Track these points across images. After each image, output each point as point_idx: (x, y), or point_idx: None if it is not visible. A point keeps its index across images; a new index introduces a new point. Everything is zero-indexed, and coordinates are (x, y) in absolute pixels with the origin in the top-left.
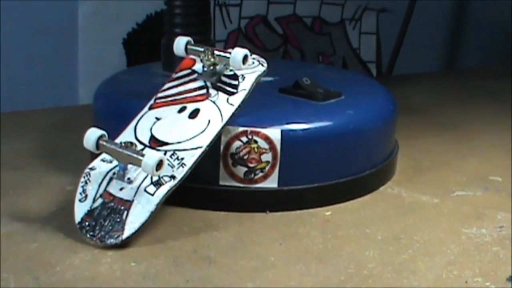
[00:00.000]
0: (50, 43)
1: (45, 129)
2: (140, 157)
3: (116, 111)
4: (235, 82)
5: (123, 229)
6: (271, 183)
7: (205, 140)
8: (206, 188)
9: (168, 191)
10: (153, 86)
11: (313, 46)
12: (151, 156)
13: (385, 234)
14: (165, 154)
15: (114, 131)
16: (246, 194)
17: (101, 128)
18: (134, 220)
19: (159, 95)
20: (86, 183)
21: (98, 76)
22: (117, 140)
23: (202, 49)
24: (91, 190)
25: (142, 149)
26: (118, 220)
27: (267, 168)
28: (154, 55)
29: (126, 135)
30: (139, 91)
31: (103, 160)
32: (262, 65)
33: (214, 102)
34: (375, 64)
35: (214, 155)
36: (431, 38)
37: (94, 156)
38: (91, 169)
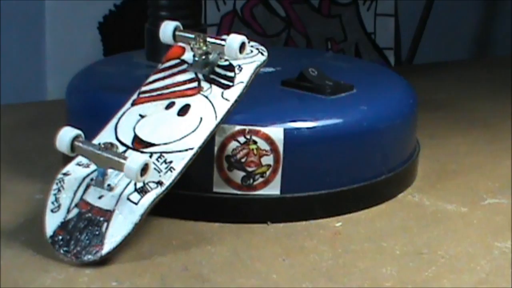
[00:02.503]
0: (11, 28)
1: (8, 129)
2: (122, 161)
3: (93, 107)
4: (231, 74)
5: (102, 243)
6: (273, 189)
7: (196, 141)
8: (198, 195)
9: (155, 199)
10: (136, 78)
11: (320, 30)
12: (134, 159)
13: (405, 249)
14: (150, 156)
15: (91, 130)
16: (243, 202)
17: (76, 127)
18: (115, 233)
19: (143, 89)
20: (59, 190)
21: (70, 67)
22: (95, 141)
23: (192, 36)
24: (65, 198)
25: (124, 151)
26: (97, 233)
27: (268, 173)
28: (135, 42)
29: (106, 135)
30: (120, 84)
31: (78, 164)
32: (262, 54)
33: (206, 97)
34: (393, 52)
35: (207, 158)
36: (458, 20)
37: (67, 159)
38: (65, 174)
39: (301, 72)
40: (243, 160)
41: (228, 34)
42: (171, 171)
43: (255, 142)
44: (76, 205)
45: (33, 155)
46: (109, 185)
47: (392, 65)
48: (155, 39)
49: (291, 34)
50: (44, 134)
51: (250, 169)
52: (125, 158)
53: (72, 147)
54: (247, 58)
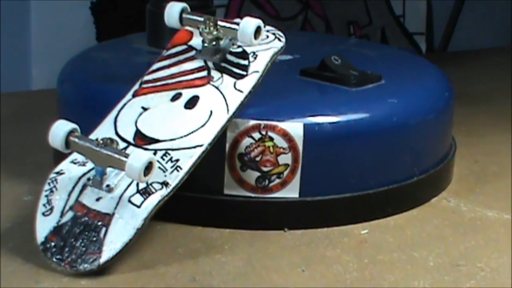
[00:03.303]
0: None
1: None
2: (123, 158)
3: (89, 98)
4: (245, 62)
5: (100, 251)
6: (291, 192)
7: (206, 137)
8: (207, 198)
9: (159, 202)
10: (137, 66)
11: (342, 13)
12: (137, 157)
13: (439, 260)
14: (155, 154)
15: (87, 124)
16: (258, 206)
17: (70, 121)
18: (115, 240)
19: (146, 78)
20: (51, 191)
21: (58, 53)
22: (92, 136)
23: (201, 19)
24: (58, 200)
25: (125, 148)
26: (94, 239)
27: (285, 173)
28: (134, 25)
29: (104, 130)
30: (119, 72)
31: (73, 162)
32: (279, 39)
33: (217, 88)
34: (425, 37)
35: (218, 156)
36: (497, 3)
37: (59, 157)
38: (58, 173)
39: (322, 60)
40: (257, 158)
41: (241, 17)
42: (177, 171)
43: (271, 139)
44: (70, 208)
45: (20, 151)
46: (108, 185)
47: (423, 52)
48: (159, 22)
49: (308, 17)
50: (32, 128)
51: (265, 169)
52: (126, 156)
53: (67, 143)
54: (262, 44)
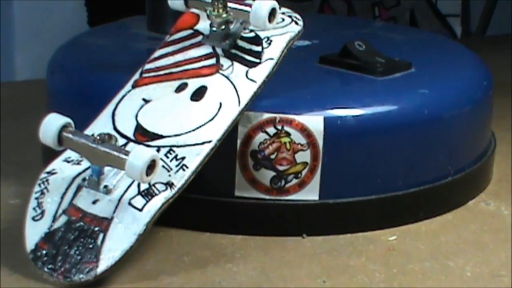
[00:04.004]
0: None
1: None
2: (123, 156)
3: (83, 89)
4: (258, 48)
5: (97, 259)
6: (310, 194)
7: (214, 132)
8: (216, 201)
9: (163, 204)
10: (136, 53)
11: None
12: (138, 155)
13: (477, 269)
14: (158, 151)
15: (82, 118)
16: (273, 209)
17: (62, 115)
18: (114, 247)
19: (147, 66)
20: (42, 193)
21: (45, 39)
22: (88, 132)
23: (209, 0)
24: (50, 203)
25: (125, 145)
26: (91, 246)
27: (304, 173)
28: (130, 8)
29: (101, 125)
30: (116, 61)
31: (67, 161)
32: (296, 23)
33: (227, 77)
34: (461, 20)
35: (228, 153)
36: None
37: (50, 155)
38: (50, 173)
39: (344, 46)
40: (272, 156)
41: None
42: (183, 170)
43: (288, 134)
44: (64, 212)
45: (4, 149)
46: (106, 186)
47: (458, 36)
48: (160, 4)
49: None
50: (17, 123)
51: (281, 168)
52: (126, 153)
53: (60, 139)
54: (277, 28)
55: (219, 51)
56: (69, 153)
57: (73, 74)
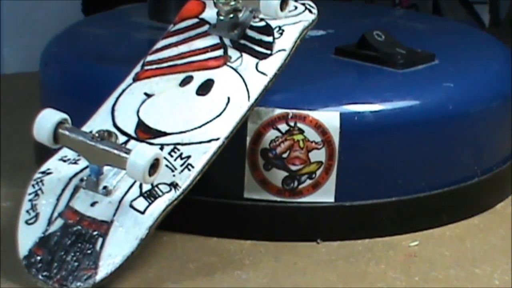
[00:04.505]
0: None
1: None
2: (124, 155)
3: (81, 83)
4: (269, 39)
5: (96, 266)
6: (325, 195)
7: (222, 129)
8: (224, 203)
9: (167, 207)
10: (137, 44)
11: None
12: (140, 153)
13: (506, 277)
14: (161, 149)
15: (79, 114)
16: (285, 213)
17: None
18: (114, 253)
19: (149, 58)
20: (36, 195)
21: (34, 28)
22: (85, 128)
23: None
24: (45, 206)
25: (126, 142)
26: (89, 252)
27: (318, 173)
28: None
29: (100, 121)
30: (115, 52)
31: (63, 160)
32: (310, 11)
33: (235, 70)
34: (488, 8)
35: (237, 152)
36: None
37: (44, 153)
38: (45, 173)
39: (362, 36)
40: (284, 155)
41: None
42: (188, 170)
43: (301, 131)
44: (60, 215)
45: None
46: (105, 187)
47: (486, 26)
48: None
49: None
50: (6, 119)
51: (294, 168)
52: (127, 152)
53: (56, 136)
54: (290, 17)
55: (227, 41)
56: (66, 152)
57: (69, 66)
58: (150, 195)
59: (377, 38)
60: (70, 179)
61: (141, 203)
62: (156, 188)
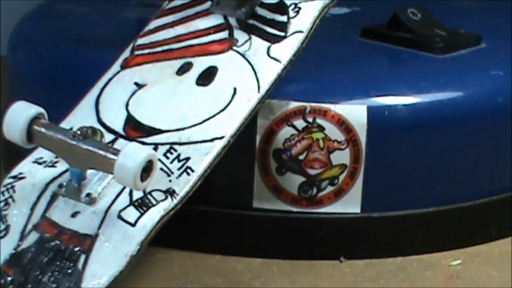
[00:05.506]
0: None
1: None
2: (111, 156)
3: (58, 71)
4: (283, 18)
5: (78, 287)
6: (350, 205)
7: (227, 126)
8: (230, 214)
9: (162, 218)
10: (125, 24)
11: None
12: (130, 154)
13: None
14: (155, 150)
15: (56, 107)
16: (302, 225)
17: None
18: (99, 272)
19: (140, 41)
20: (7, 204)
21: (1, 5)
22: (65, 125)
23: None
24: (16, 217)
25: (113, 141)
26: (70, 271)
27: (341, 178)
28: None
29: (82, 116)
30: (99, 33)
31: (38, 162)
32: None
33: (243, 55)
34: None
35: (245, 153)
36: None
37: (14, 154)
38: (16, 178)
39: (394, 14)
40: (301, 157)
41: None
42: (187, 174)
43: (321, 129)
44: (35, 227)
45: None
46: (88, 194)
47: None
48: None
49: None
50: None
51: (312, 172)
52: (115, 153)
53: (30, 134)
54: None
55: (232, 21)
56: (41, 152)
57: (43, 50)
58: (142, 204)
59: (412, 17)
60: (47, 185)
61: (131, 214)
62: (149, 196)
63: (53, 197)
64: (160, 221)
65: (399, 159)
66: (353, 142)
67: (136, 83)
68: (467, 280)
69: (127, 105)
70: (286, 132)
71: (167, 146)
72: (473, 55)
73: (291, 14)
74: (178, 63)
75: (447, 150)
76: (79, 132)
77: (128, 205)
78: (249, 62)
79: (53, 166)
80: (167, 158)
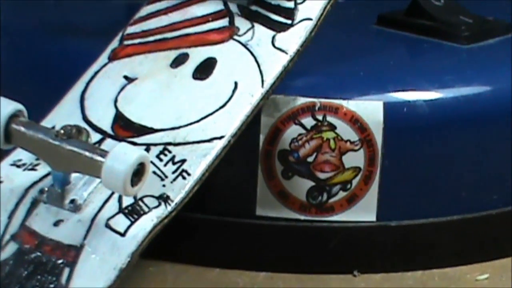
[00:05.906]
0: None
1: None
2: (98, 158)
3: (38, 63)
4: (289, 4)
5: None
6: (364, 213)
7: (227, 125)
8: (230, 223)
9: (155, 227)
10: (113, 10)
11: None
12: (120, 156)
13: None
14: (147, 151)
15: (37, 104)
16: (311, 235)
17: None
18: (85, 286)
19: (130, 30)
20: None
21: None
22: (47, 123)
23: None
24: None
25: (100, 141)
26: (52, 286)
27: (355, 183)
28: None
29: (65, 113)
30: (83, 21)
31: (16, 165)
32: None
33: (245, 46)
34: None
35: (247, 155)
36: None
37: None
38: None
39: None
40: (310, 159)
41: None
42: (183, 178)
43: (332, 127)
44: (13, 237)
45: None
46: (73, 201)
47: None
48: None
49: None
50: None
51: (322, 176)
52: (102, 154)
53: (7, 134)
54: None
55: (233, 8)
56: (20, 154)
57: (23, 40)
58: (133, 212)
59: (434, 2)
60: (26, 190)
61: (120, 222)
62: (140, 203)
63: (34, 204)
64: (152, 231)
65: (419, 162)
66: (368, 143)
67: (125, 77)
68: None
69: (115, 101)
70: (293, 131)
71: (161, 147)
72: (502, 45)
73: (298, 0)
74: (172, 54)
75: (473, 151)
76: (62, 132)
77: (117, 213)
78: (251, 53)
79: (33, 169)
80: (161, 160)
